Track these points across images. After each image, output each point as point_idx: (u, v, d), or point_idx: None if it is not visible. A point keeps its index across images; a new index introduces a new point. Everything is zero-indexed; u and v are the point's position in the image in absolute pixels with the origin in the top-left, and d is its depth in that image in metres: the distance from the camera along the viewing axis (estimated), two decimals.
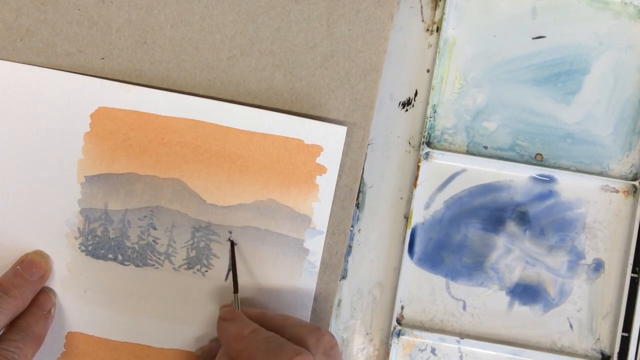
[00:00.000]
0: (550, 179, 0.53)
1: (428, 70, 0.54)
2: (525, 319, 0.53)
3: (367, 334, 0.53)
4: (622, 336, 0.52)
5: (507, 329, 0.53)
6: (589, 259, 0.53)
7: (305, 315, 0.50)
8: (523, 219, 0.53)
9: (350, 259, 0.53)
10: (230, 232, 0.50)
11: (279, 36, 0.50)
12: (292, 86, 0.51)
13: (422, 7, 0.54)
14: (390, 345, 0.52)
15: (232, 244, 0.50)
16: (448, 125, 0.54)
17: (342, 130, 0.50)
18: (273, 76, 0.50)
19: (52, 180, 0.49)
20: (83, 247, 0.50)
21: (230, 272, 0.50)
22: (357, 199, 0.53)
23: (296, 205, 0.50)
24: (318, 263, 0.50)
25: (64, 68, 0.50)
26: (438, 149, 0.53)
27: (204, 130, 0.50)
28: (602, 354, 0.53)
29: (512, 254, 0.53)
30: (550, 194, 0.53)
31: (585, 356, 0.53)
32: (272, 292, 0.50)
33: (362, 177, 0.53)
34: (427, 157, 0.53)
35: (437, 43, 0.53)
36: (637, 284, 0.53)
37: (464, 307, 0.53)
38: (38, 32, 0.50)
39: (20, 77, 0.49)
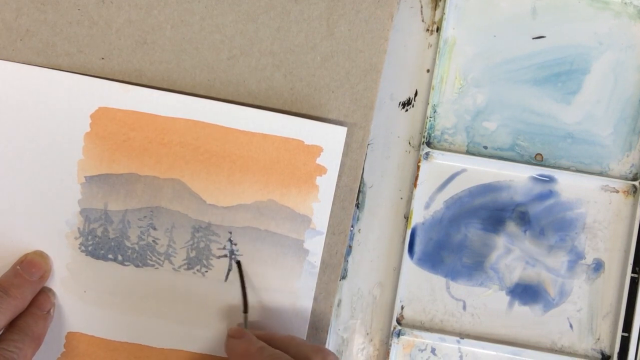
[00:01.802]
0: (550, 179, 0.53)
1: (428, 70, 0.54)
2: (525, 319, 0.53)
3: (367, 334, 0.53)
4: (622, 336, 0.52)
5: (507, 329, 0.53)
6: (589, 259, 0.53)
7: (305, 316, 0.50)
8: (523, 219, 0.53)
9: (350, 259, 0.53)
10: (231, 233, 0.50)
11: (279, 36, 0.50)
12: (292, 86, 0.50)
13: (422, 7, 0.54)
14: (390, 345, 0.52)
15: (239, 264, 0.50)
16: (448, 125, 0.54)
17: (342, 131, 0.50)
18: (273, 76, 0.50)
19: (52, 181, 0.49)
20: (83, 248, 0.50)
21: (230, 273, 0.50)
22: (357, 199, 0.53)
23: (296, 206, 0.50)
24: (318, 263, 0.50)
25: (64, 68, 0.50)
26: (438, 149, 0.53)
27: (204, 131, 0.50)
28: (602, 354, 0.53)
29: (512, 254, 0.53)
30: (550, 194, 0.53)
31: (585, 356, 0.53)
32: (272, 292, 0.50)
33: (362, 177, 0.53)
34: (427, 157, 0.53)
35: (437, 43, 0.53)
36: (637, 284, 0.53)
37: (464, 307, 0.53)
38: (38, 32, 0.50)
39: (20, 77, 0.49)
